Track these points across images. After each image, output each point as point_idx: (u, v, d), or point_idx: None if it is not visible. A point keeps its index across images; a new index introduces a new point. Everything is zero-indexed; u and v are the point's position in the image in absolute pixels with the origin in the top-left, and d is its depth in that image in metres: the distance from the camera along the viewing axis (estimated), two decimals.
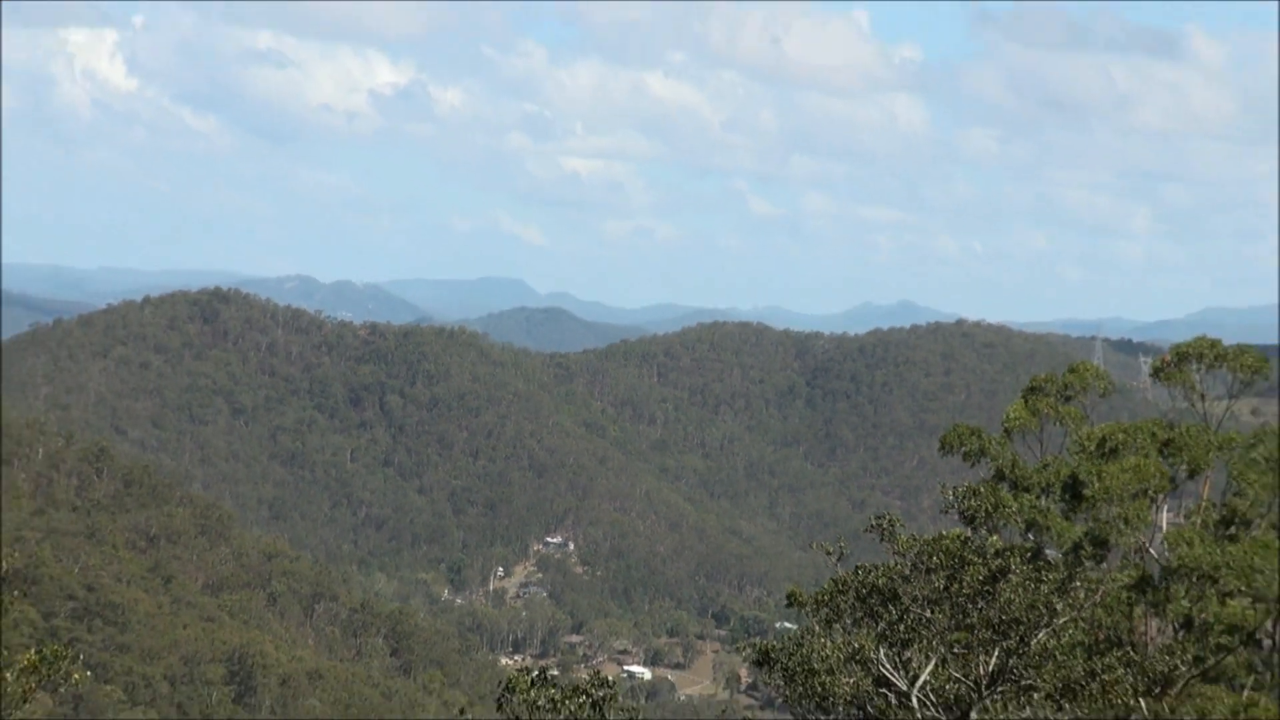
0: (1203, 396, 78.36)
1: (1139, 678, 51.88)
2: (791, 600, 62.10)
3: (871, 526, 62.72)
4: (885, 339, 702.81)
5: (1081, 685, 49.05)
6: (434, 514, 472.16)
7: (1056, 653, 49.31)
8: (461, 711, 62.82)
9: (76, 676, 57.58)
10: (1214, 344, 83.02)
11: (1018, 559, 54.24)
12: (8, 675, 45.45)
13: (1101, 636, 58.22)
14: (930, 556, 53.06)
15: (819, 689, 48.95)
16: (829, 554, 61.22)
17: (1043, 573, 53.34)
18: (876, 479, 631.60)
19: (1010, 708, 46.44)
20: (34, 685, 49.25)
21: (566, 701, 55.07)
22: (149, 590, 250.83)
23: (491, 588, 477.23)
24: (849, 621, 50.51)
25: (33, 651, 50.58)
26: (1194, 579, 64.35)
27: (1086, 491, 72.13)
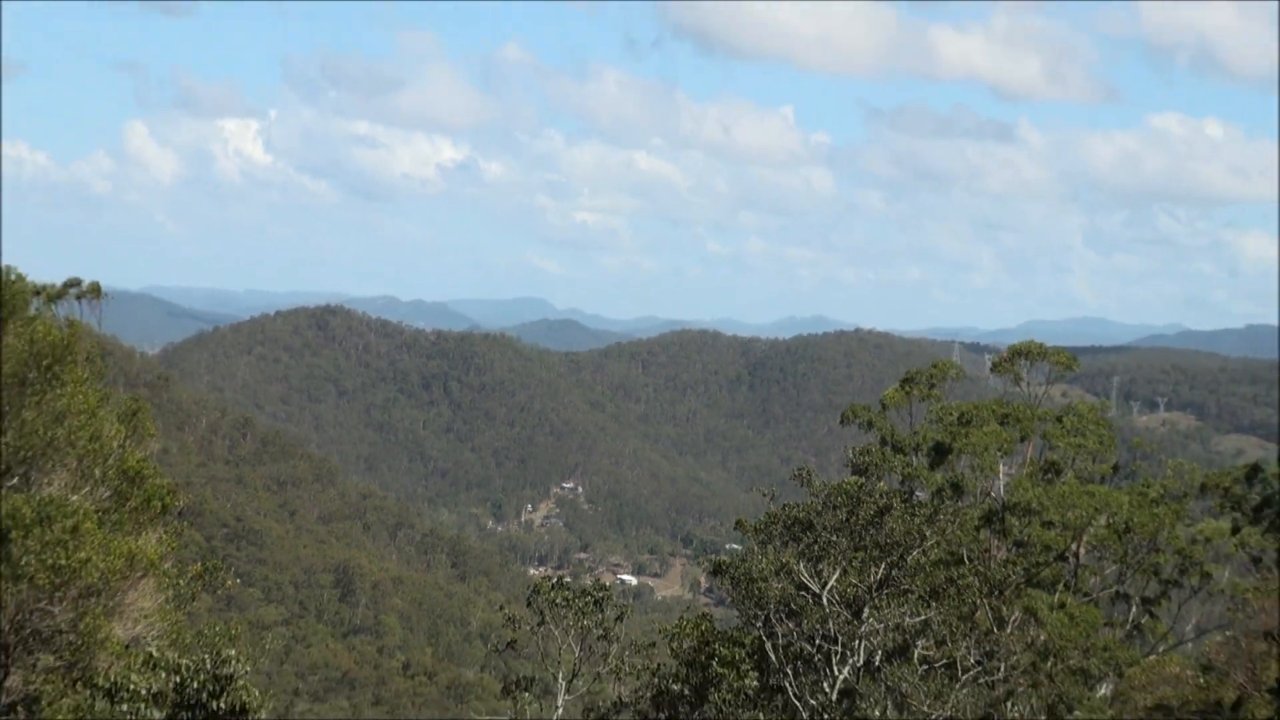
0: (1027, 383, 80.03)
1: (984, 584, 52.74)
2: (738, 527, 62.93)
3: (794, 476, 64.15)
4: (805, 342, 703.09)
5: (943, 589, 49.86)
6: (481, 466, 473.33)
7: (925, 566, 50.09)
8: (501, 608, 62.76)
9: (229, 582, 58.47)
10: (1039, 345, 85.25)
11: (897, 499, 55.35)
12: (181, 581, 45.88)
13: (958, 555, 59.28)
14: (835, 497, 54.04)
15: (756, 592, 49.77)
16: (764, 495, 62.17)
17: (915, 509, 54.27)
18: (798, 442, 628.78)
19: (892, 606, 47.28)
20: (199, 588, 49.67)
21: (576, 600, 55.86)
22: (279, 520, 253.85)
23: (523, 519, 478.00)
24: (778, 543, 51.37)
25: (199, 564, 51.11)
26: (1023, 512, 65.57)
27: (956, 445, 74.13)
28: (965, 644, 47.26)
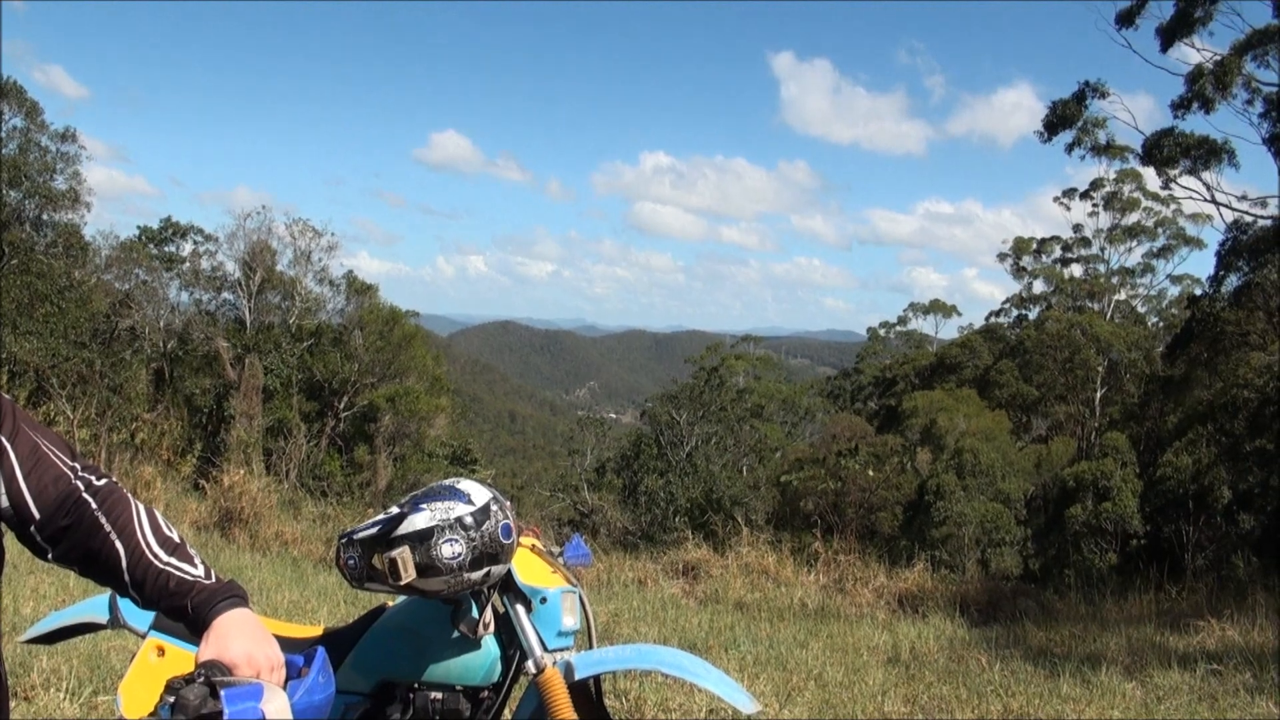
0: (754, 348, 79.04)
1: (735, 418, 52.15)
2: (650, 399, 62.79)
3: (673, 383, 63.69)
4: (677, 334, 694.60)
5: (723, 420, 49.34)
6: (558, 377, 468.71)
7: (716, 411, 49.53)
8: (571, 427, 61.22)
9: (469, 414, 59.61)
10: (757, 337, 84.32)
11: (708, 389, 54.68)
12: (453, 416, 46.67)
13: (727, 409, 59.10)
14: (685, 390, 53.77)
15: (657, 419, 50.04)
16: (664, 390, 62.17)
17: (715, 392, 54.13)
18: (677, 372, 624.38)
19: (702, 424, 47.41)
20: (458, 419, 50.16)
21: (593, 423, 56.78)
22: (488, 395, 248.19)
23: (575, 395, 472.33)
24: (666, 403, 51.66)
25: (459, 409, 51.86)
26: (751, 392, 65.68)
27: (724, 368, 74.00)
28: (730, 438, 47.55)
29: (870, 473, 35.52)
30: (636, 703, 6.00)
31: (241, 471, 14.48)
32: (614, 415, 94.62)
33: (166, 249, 39.66)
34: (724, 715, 5.89)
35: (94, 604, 3.70)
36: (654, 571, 13.00)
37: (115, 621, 3.61)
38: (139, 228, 40.59)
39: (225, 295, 39.02)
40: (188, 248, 40.11)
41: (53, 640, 3.93)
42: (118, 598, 3.59)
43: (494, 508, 3.07)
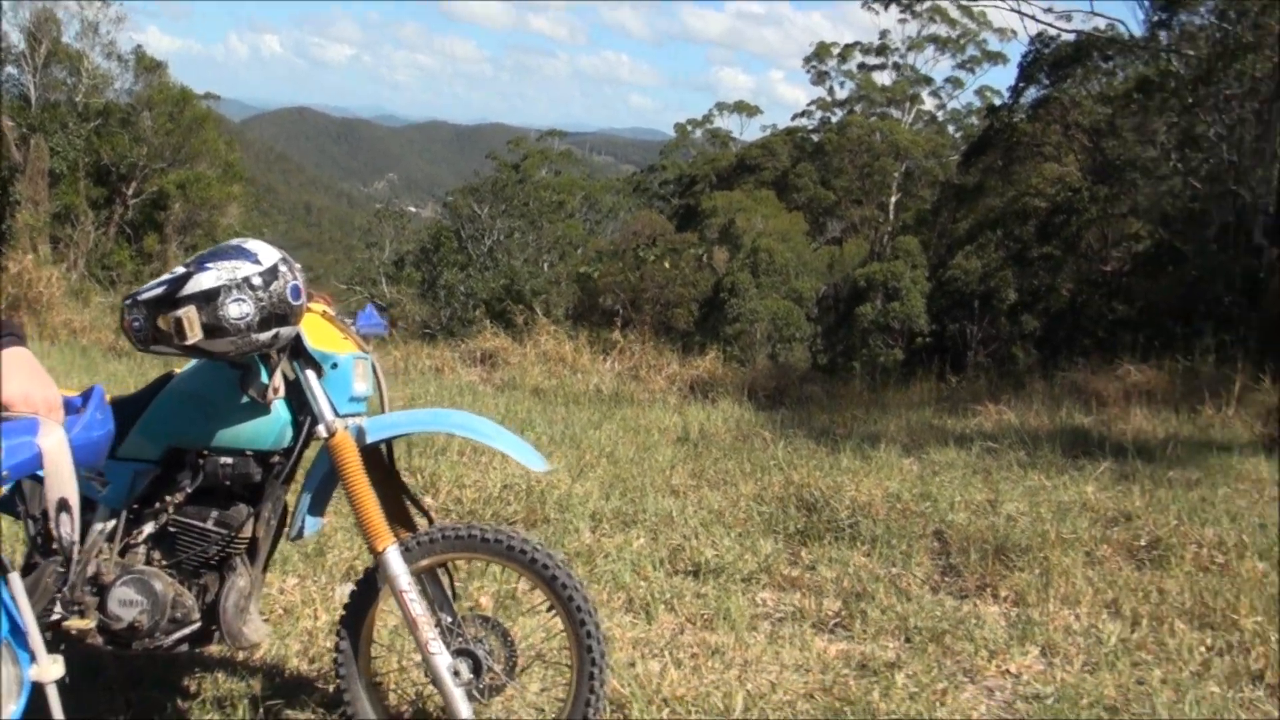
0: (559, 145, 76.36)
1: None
2: (452, 193, 59.94)
3: (476, 176, 61.33)
4: (482, 129, 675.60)
5: (510, 199, 47.98)
6: (358, 172, 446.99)
7: (509, 195, 47.25)
8: (367, 224, 58.09)
9: (262, 204, 57.15)
10: (561, 131, 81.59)
11: (509, 173, 52.88)
12: (246, 204, 45.26)
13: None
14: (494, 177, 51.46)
15: (469, 209, 47.91)
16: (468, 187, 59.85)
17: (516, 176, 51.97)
18: (480, 167, 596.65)
19: (503, 221, 45.99)
20: (252, 208, 48.74)
21: (392, 216, 55.06)
22: (281, 183, 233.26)
23: (374, 190, 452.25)
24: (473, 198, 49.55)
25: (251, 197, 50.30)
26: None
27: (527, 166, 71.27)
28: (532, 234, 46.22)
29: (666, 265, 35.95)
30: (431, 479, 6.10)
31: (29, 257, 13.99)
32: (413, 209, 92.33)
33: None
34: (519, 488, 6.03)
35: None
36: (451, 359, 13.10)
37: None
38: None
39: (9, 69, 37.00)
40: None
41: None
42: None
43: (283, 268, 3.02)
